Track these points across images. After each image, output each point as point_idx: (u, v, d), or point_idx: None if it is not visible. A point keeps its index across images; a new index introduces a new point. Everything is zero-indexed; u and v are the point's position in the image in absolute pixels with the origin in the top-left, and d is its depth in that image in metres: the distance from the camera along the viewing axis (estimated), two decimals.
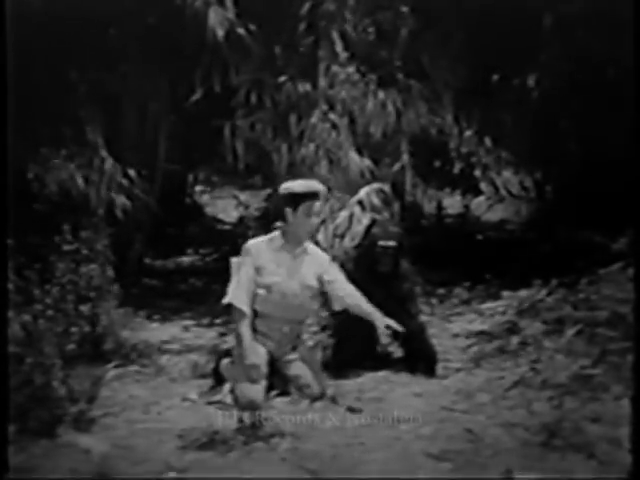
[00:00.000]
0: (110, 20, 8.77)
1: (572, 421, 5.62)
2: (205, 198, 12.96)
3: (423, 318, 7.37)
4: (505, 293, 8.63)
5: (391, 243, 6.79)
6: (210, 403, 6.21)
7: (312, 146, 8.38)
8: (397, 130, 8.78)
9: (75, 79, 8.98)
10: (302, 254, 6.21)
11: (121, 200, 8.55)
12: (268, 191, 10.13)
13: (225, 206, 12.80)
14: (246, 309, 6.07)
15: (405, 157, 8.80)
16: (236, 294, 6.10)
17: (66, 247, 7.03)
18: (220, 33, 8.39)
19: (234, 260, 6.33)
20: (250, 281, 6.10)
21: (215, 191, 13.42)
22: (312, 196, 6.12)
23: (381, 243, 6.80)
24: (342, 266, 7.70)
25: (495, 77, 9.90)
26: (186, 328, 8.38)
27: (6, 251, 5.47)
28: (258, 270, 6.11)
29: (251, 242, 6.29)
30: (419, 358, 6.93)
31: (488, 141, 9.41)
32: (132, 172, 8.75)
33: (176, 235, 11.31)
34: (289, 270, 6.16)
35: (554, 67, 9.45)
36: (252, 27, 8.61)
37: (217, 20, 8.39)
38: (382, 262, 6.79)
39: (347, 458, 5.29)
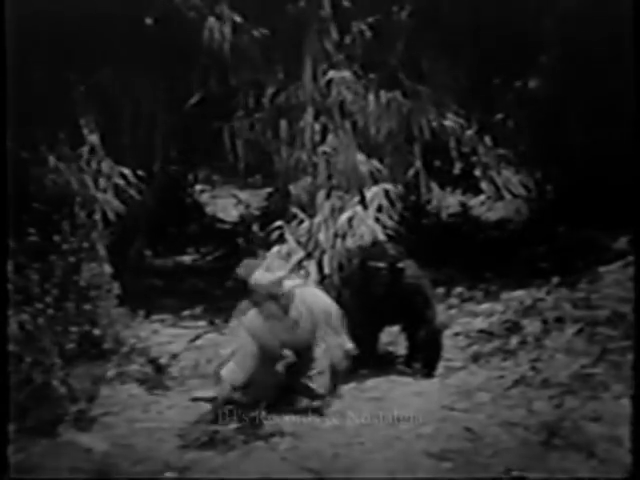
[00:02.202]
0: (108, 21, 8.75)
1: (572, 420, 5.64)
2: (205, 197, 12.95)
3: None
4: (505, 292, 8.62)
5: (381, 264, 6.72)
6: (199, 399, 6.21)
7: (311, 147, 8.38)
8: (399, 132, 8.77)
9: (73, 80, 8.97)
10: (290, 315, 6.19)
11: (115, 202, 8.52)
12: (268, 190, 10.12)
13: (225, 205, 12.80)
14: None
15: (418, 162, 8.80)
16: (234, 377, 6.17)
17: (66, 246, 7.03)
18: (217, 39, 8.40)
19: (230, 325, 6.45)
20: (250, 358, 6.13)
21: (215, 190, 13.42)
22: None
23: (371, 264, 6.77)
24: (341, 267, 7.80)
25: (496, 78, 9.88)
26: (186, 327, 8.37)
27: (7, 251, 5.46)
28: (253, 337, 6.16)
29: (244, 318, 6.26)
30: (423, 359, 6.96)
31: (488, 140, 9.39)
32: (129, 173, 8.73)
33: (176, 234, 11.30)
34: (280, 333, 6.20)
35: (555, 68, 9.45)
36: (250, 32, 8.60)
37: (215, 27, 8.41)
38: (373, 283, 6.75)
39: (347, 457, 5.31)
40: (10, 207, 5.53)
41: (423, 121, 8.78)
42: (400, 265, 6.75)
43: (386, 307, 6.78)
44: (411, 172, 8.82)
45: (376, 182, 8.36)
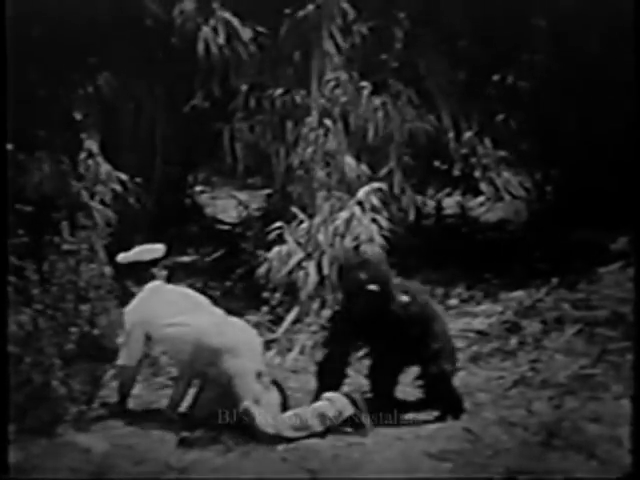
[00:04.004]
0: (107, 23, 8.76)
1: (572, 421, 5.64)
2: (205, 198, 12.94)
3: None
4: (505, 293, 8.62)
5: (373, 287, 5.89)
6: None
7: (309, 150, 8.39)
8: (390, 134, 8.79)
9: (73, 83, 8.96)
10: None
11: (109, 212, 8.52)
12: (268, 191, 10.13)
13: (225, 206, 12.79)
14: None
15: (393, 162, 8.80)
16: None
17: (65, 247, 7.02)
18: (214, 50, 8.43)
19: None
20: None
21: (215, 191, 13.40)
22: None
23: (344, 289, 6.15)
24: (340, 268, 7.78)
25: (495, 79, 9.88)
26: None
27: (6, 251, 5.44)
28: None
29: None
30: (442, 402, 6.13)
31: (488, 142, 9.40)
32: (126, 179, 8.73)
33: (176, 235, 11.29)
34: None
35: (555, 68, 9.45)
36: (246, 35, 8.61)
37: (209, 37, 8.43)
38: (350, 309, 6.10)
39: (347, 458, 5.30)
40: (9, 207, 5.52)
41: (398, 120, 8.80)
42: (371, 287, 5.88)
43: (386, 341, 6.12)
44: (384, 170, 8.79)
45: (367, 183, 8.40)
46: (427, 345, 6.00)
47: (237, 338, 5.94)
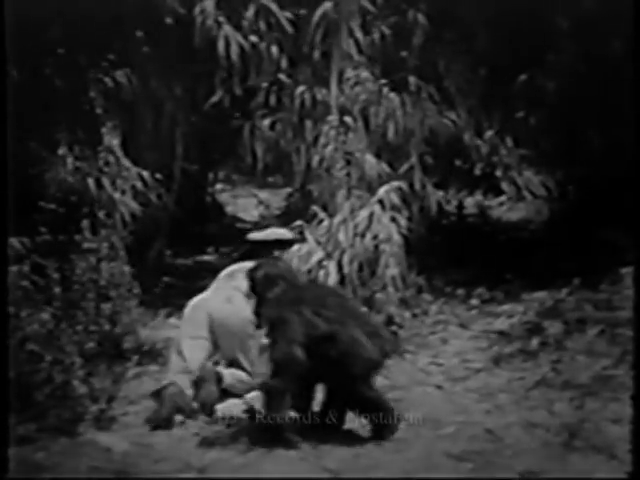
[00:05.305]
0: (128, 20, 8.78)
1: (593, 422, 5.61)
2: (225, 197, 12.96)
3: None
4: (526, 293, 8.59)
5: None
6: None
7: (329, 148, 8.37)
8: (411, 132, 8.77)
9: (92, 79, 8.98)
10: None
11: (133, 204, 8.52)
12: (288, 190, 10.13)
13: (245, 205, 12.81)
14: None
15: (414, 159, 8.78)
16: None
17: (86, 245, 7.04)
18: (234, 50, 8.44)
19: None
20: None
21: (235, 190, 13.43)
22: None
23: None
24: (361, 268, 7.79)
25: (516, 77, 9.84)
26: None
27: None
28: None
29: None
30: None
31: (509, 141, 9.37)
32: (147, 175, 8.72)
33: (197, 234, 11.31)
34: None
35: (575, 66, 9.41)
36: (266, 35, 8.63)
37: (228, 36, 8.44)
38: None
39: (368, 458, 5.29)
40: (28, 206, 5.52)
41: (418, 117, 8.79)
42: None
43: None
44: (404, 167, 8.78)
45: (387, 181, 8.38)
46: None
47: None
